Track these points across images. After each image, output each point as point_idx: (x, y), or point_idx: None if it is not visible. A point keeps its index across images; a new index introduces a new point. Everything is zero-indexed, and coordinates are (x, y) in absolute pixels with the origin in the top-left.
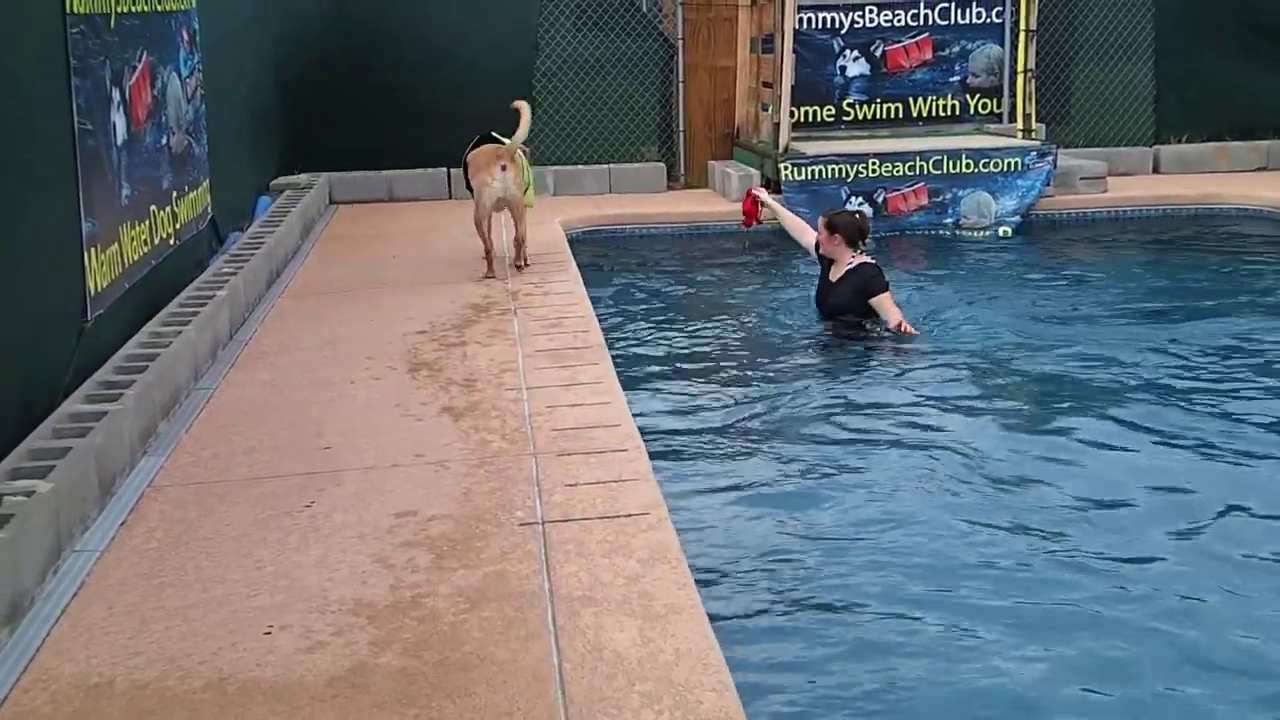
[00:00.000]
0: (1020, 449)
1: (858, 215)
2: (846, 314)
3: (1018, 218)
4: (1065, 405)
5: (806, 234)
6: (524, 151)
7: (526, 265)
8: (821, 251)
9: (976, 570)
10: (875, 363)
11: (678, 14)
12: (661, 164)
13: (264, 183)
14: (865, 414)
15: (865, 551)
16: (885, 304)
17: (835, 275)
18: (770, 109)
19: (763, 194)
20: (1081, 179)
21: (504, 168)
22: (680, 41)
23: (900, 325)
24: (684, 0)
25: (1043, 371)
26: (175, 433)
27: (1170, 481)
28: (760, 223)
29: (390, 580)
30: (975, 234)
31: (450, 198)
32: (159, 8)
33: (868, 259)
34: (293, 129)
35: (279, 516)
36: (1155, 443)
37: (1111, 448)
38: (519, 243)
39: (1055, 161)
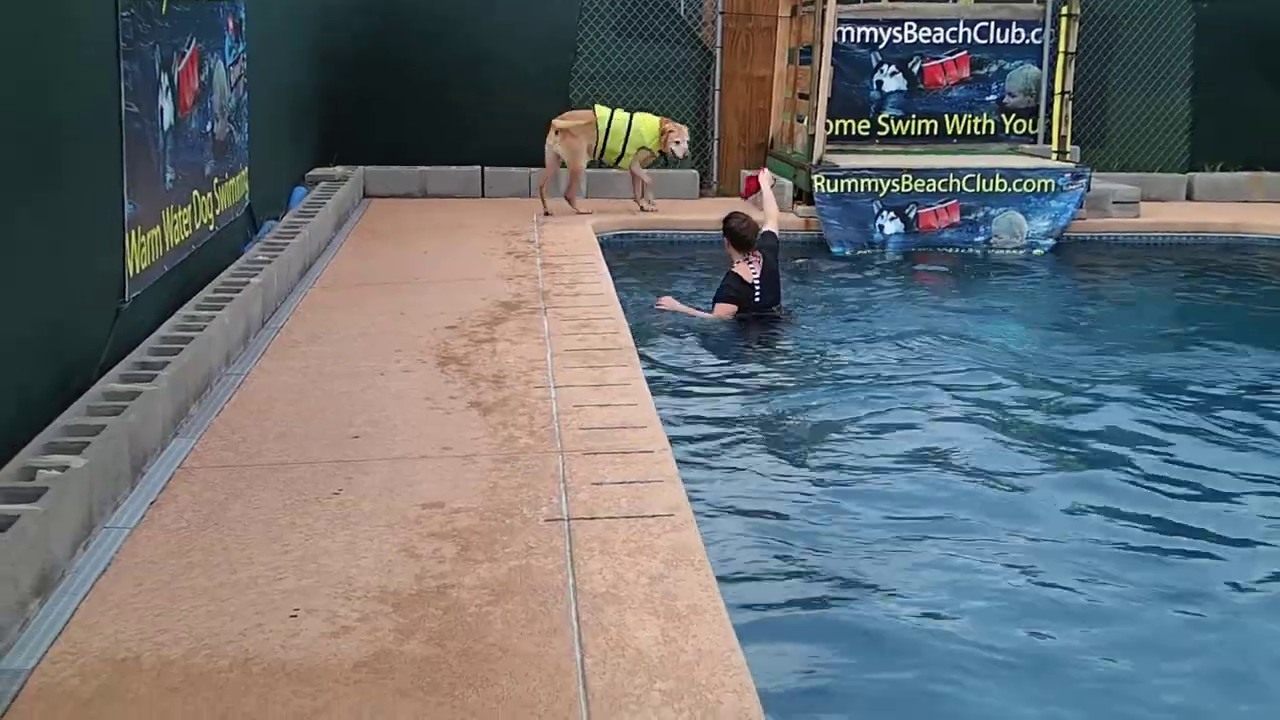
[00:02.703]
0: (1037, 466)
1: (743, 222)
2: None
3: (1051, 240)
4: (1085, 423)
5: (768, 223)
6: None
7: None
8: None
9: (1001, 577)
10: (895, 370)
11: (717, 22)
12: (695, 171)
13: (300, 173)
14: (888, 421)
15: (890, 555)
16: (719, 309)
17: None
18: (805, 120)
19: (766, 182)
20: (1114, 203)
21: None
22: (718, 50)
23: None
24: (724, 9)
25: (1066, 391)
26: (207, 416)
27: (1181, 514)
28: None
29: (416, 569)
30: (1007, 253)
31: (483, 196)
32: None
33: (739, 269)
34: (330, 121)
35: (307, 502)
36: (1176, 469)
37: (1131, 470)
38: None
39: (1089, 184)
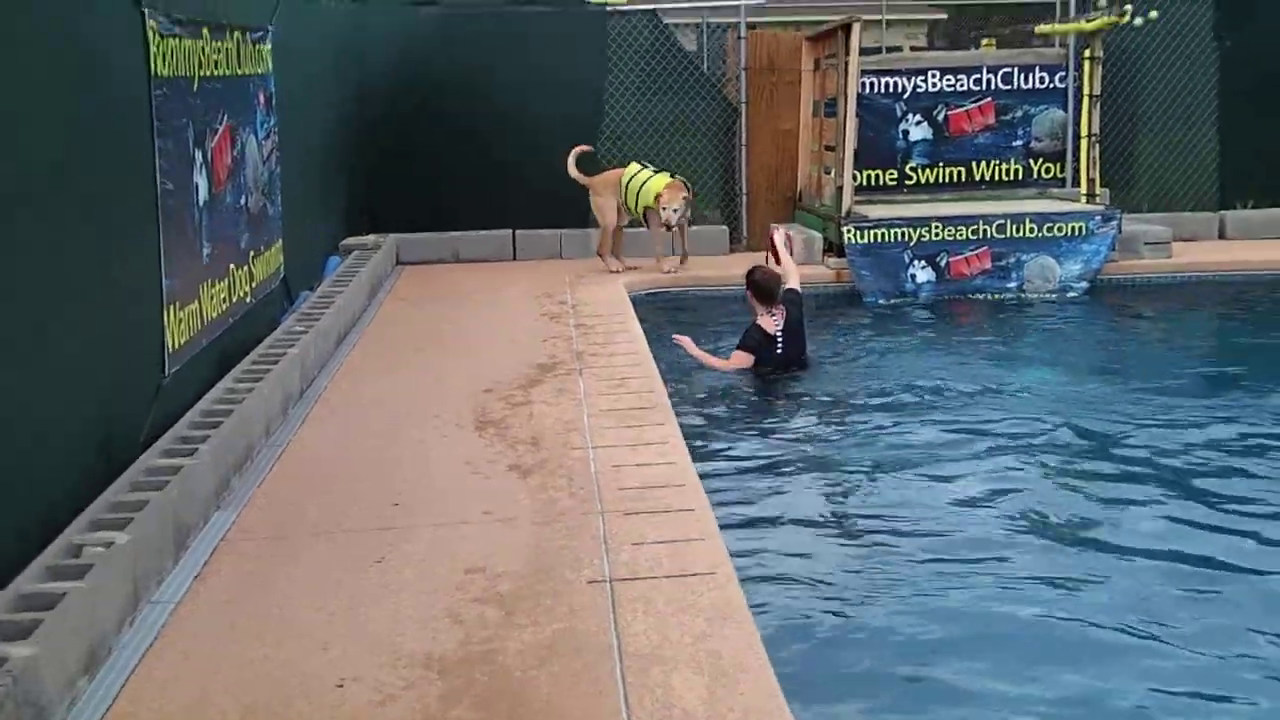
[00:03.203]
0: (1079, 510)
1: (765, 275)
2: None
3: (1084, 283)
4: (1119, 465)
5: (790, 279)
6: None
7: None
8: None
9: (1049, 624)
10: (931, 419)
11: (741, 78)
12: (724, 227)
13: (334, 243)
14: (925, 470)
15: (934, 606)
16: (735, 357)
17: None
18: (833, 172)
19: (780, 240)
20: (1146, 244)
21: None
22: (743, 105)
23: (723, 370)
24: (746, 65)
25: (1099, 433)
26: (248, 488)
27: (1222, 550)
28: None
29: (460, 635)
30: (1040, 298)
31: (515, 259)
32: (239, 71)
33: (763, 321)
34: (362, 190)
35: (350, 570)
36: (1208, 509)
37: (1164, 513)
38: None
39: (1119, 226)
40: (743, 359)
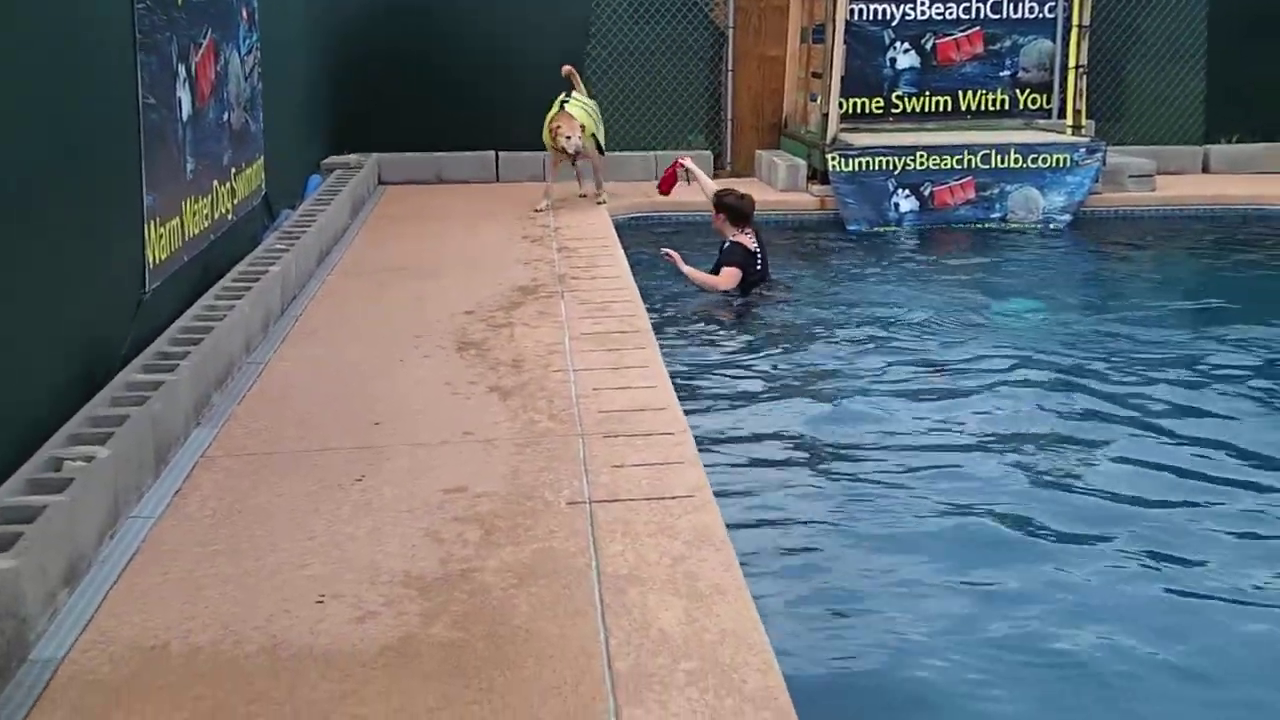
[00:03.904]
0: (1048, 434)
1: (742, 197)
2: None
3: (1068, 215)
4: (1095, 398)
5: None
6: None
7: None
8: (715, 228)
9: (1021, 555)
10: (911, 347)
11: (728, 2)
12: (709, 152)
13: (315, 162)
14: (905, 398)
15: (910, 536)
16: (725, 274)
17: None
18: (819, 99)
19: (688, 163)
20: (1130, 177)
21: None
22: (730, 30)
23: (714, 287)
24: None
25: (1079, 368)
26: (228, 405)
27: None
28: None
29: (440, 554)
30: (1023, 229)
31: (498, 181)
32: None
33: (741, 239)
34: (344, 109)
35: (330, 489)
36: (1186, 445)
37: (1140, 449)
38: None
39: (1104, 159)
40: (733, 275)
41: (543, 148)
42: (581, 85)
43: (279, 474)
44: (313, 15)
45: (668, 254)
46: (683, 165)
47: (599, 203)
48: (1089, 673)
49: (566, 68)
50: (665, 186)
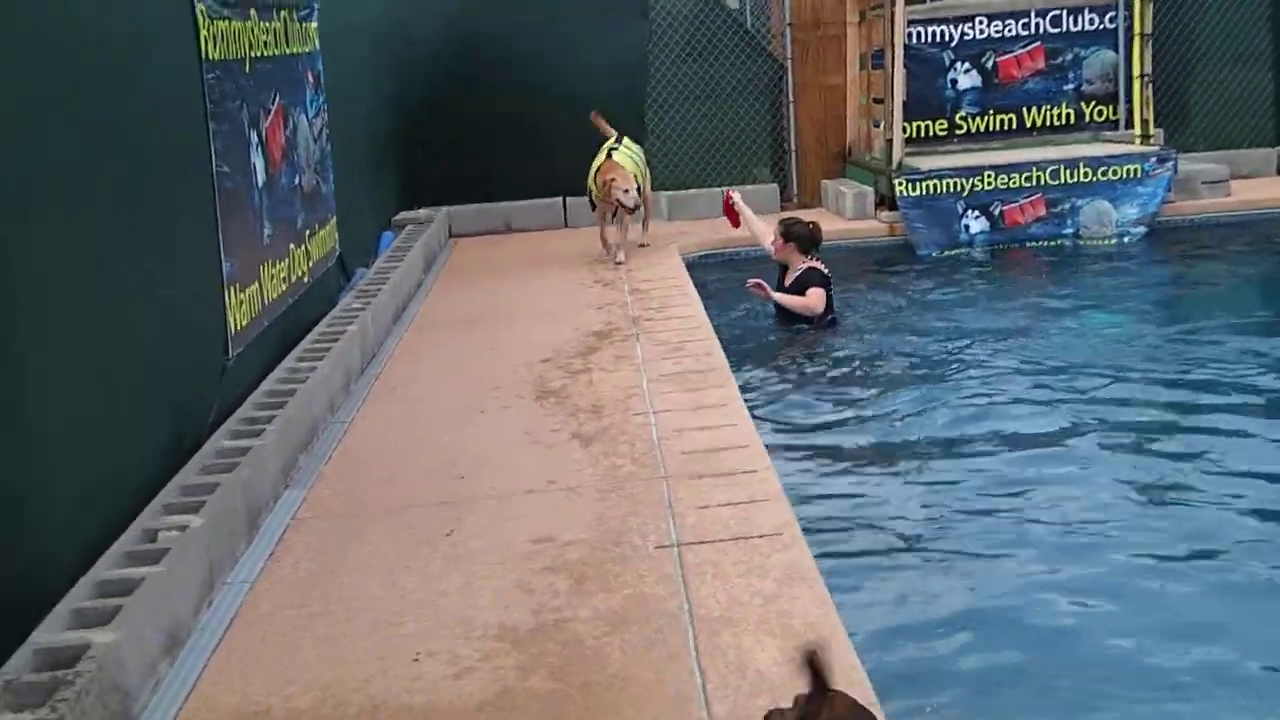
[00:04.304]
0: (1133, 460)
1: (811, 225)
2: (797, 315)
3: (1143, 227)
4: (1186, 413)
5: (767, 238)
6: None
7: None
8: (776, 256)
9: (1126, 575)
10: (992, 370)
11: (786, 34)
12: (775, 184)
13: (387, 218)
14: (986, 424)
15: (996, 564)
16: (813, 295)
17: (788, 280)
18: (882, 125)
19: (736, 199)
20: (1203, 183)
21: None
22: (789, 61)
23: (819, 316)
24: (791, 20)
25: (1158, 378)
26: (314, 466)
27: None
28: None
29: (532, 605)
30: (1098, 243)
31: (567, 226)
32: (288, 50)
33: (817, 264)
34: (412, 164)
35: (419, 545)
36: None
37: (1234, 461)
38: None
39: (1175, 167)
40: (821, 294)
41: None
42: (609, 129)
43: (369, 532)
44: (376, 74)
45: (756, 284)
46: (731, 198)
47: (642, 245)
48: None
49: (594, 114)
50: (733, 221)
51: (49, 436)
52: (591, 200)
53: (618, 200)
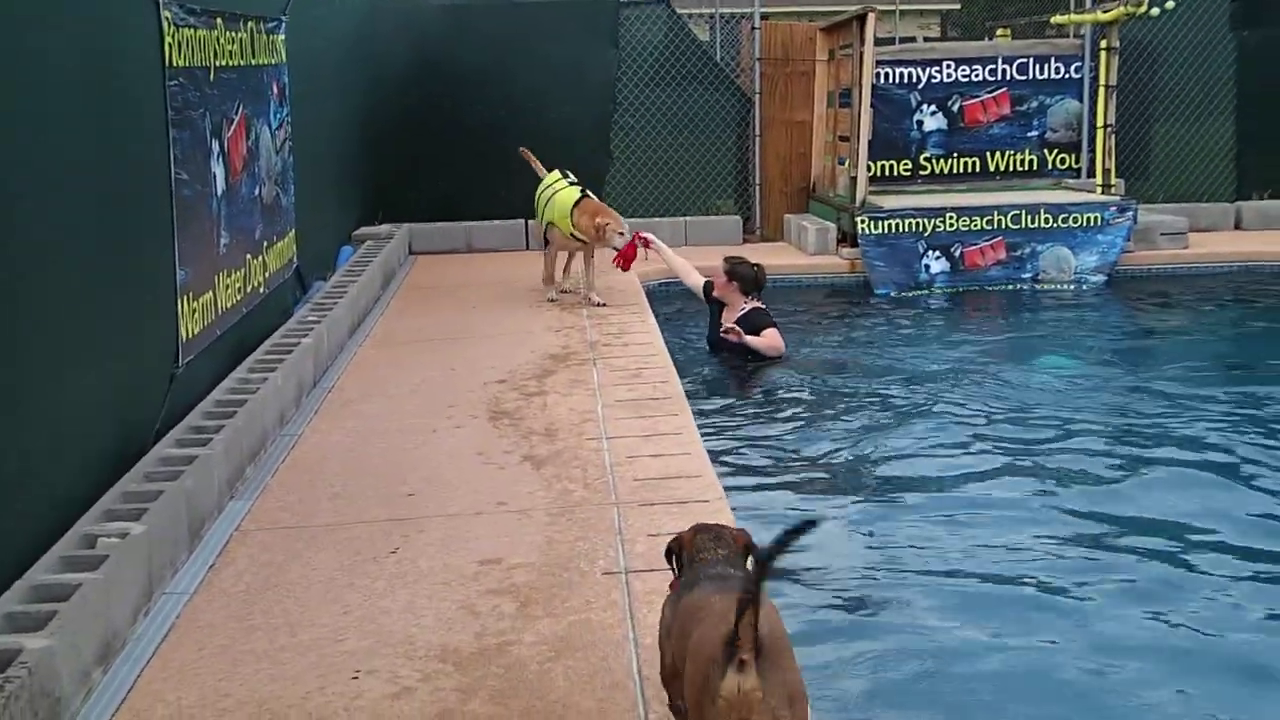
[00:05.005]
0: (1083, 502)
1: (756, 267)
2: (739, 354)
3: (1101, 275)
4: (1135, 460)
5: (692, 275)
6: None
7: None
8: (717, 294)
9: (1068, 616)
10: (941, 408)
11: (754, 68)
12: (738, 217)
13: (346, 232)
14: (935, 459)
15: (950, 595)
16: (771, 335)
17: (731, 319)
18: (847, 163)
19: (653, 239)
20: (1162, 234)
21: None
22: (757, 96)
23: (777, 349)
24: (761, 55)
25: (1111, 424)
26: (262, 478)
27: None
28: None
29: (476, 627)
30: (1056, 289)
31: (527, 249)
32: (253, 61)
33: (758, 305)
34: (374, 180)
35: (365, 562)
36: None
37: (1182, 507)
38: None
39: (1135, 217)
40: (778, 335)
41: None
42: (541, 166)
43: (313, 547)
44: (343, 89)
45: (735, 331)
46: (648, 243)
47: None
48: None
49: (523, 150)
50: (626, 264)
51: None
52: (546, 235)
53: (608, 241)
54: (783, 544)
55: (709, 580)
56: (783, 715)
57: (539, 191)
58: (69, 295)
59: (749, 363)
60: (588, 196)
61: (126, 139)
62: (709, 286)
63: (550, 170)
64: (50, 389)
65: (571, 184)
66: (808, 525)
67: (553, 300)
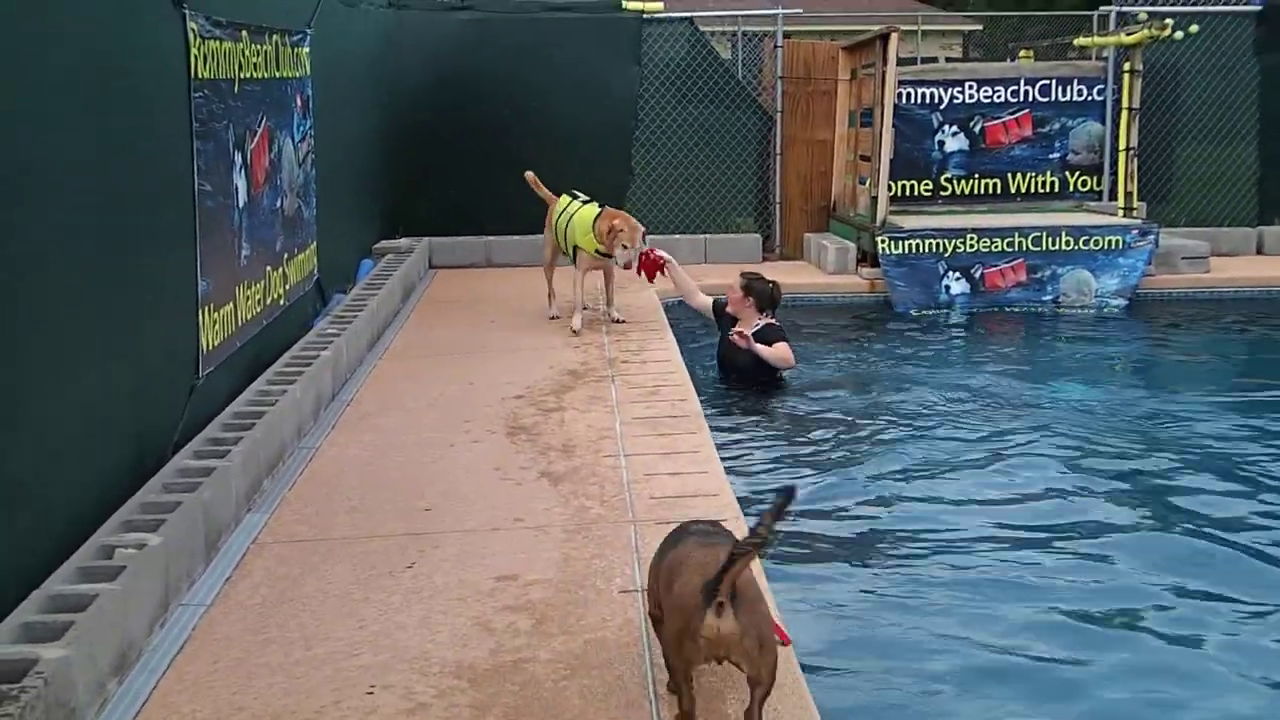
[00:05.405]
0: (1104, 526)
1: (772, 284)
2: (750, 372)
3: (1122, 299)
4: (1153, 483)
5: (697, 296)
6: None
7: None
8: (730, 309)
9: (1091, 644)
10: (959, 428)
11: (777, 87)
12: (758, 235)
13: (367, 246)
14: (952, 478)
15: (965, 614)
16: (783, 348)
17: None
18: (868, 183)
19: (668, 259)
20: (1183, 259)
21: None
22: (779, 114)
23: (788, 362)
24: (783, 73)
25: (1132, 450)
26: (280, 490)
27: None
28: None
29: (491, 644)
30: (1076, 312)
31: None
32: (277, 74)
33: (772, 323)
34: (395, 194)
35: (381, 576)
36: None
37: (1198, 532)
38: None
39: (1157, 241)
40: (788, 349)
41: None
42: (548, 192)
43: (330, 561)
44: (366, 103)
45: (744, 336)
46: (663, 268)
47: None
48: None
49: (528, 175)
50: (650, 277)
51: (7, 450)
52: (573, 253)
53: (618, 256)
54: (776, 513)
55: (692, 535)
56: (754, 654)
57: (555, 219)
58: (87, 304)
59: (761, 380)
60: (607, 209)
61: (151, 150)
62: (720, 303)
63: (558, 195)
64: (69, 400)
65: (585, 202)
66: (792, 491)
67: (554, 318)
